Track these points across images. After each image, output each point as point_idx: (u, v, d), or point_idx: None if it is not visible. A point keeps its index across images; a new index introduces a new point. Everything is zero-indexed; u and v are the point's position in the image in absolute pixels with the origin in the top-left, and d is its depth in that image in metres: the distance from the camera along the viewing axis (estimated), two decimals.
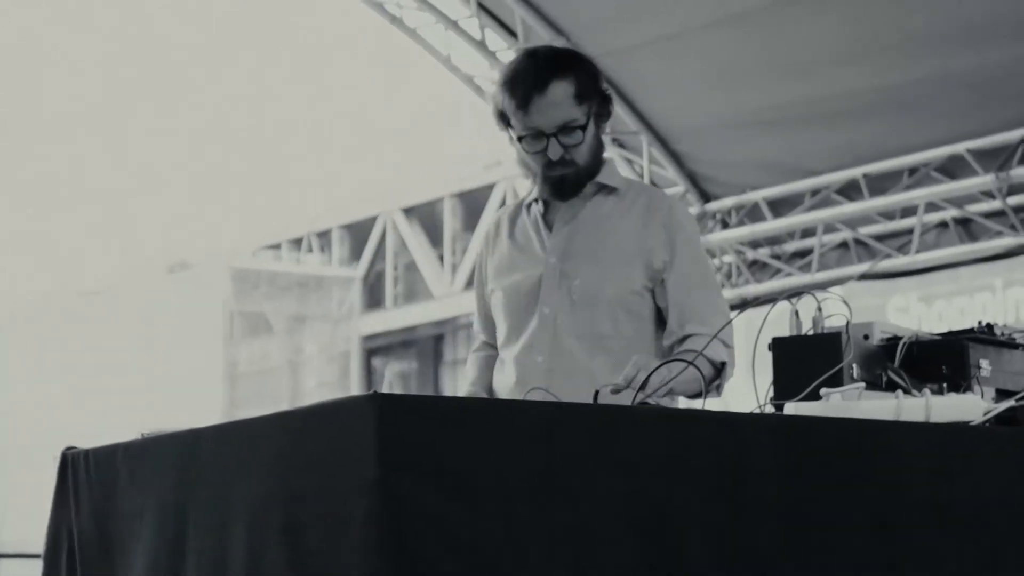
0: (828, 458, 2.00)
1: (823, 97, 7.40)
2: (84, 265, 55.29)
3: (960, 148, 7.53)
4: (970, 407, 2.22)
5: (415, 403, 1.78)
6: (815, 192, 8.24)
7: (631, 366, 2.66)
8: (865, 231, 8.28)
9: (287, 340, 32.63)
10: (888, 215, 8.12)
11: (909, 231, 8.04)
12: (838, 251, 8.50)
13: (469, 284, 25.11)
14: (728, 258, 8.85)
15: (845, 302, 2.29)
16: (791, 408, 2.15)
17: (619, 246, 3.09)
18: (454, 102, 31.71)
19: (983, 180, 7.47)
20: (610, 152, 8.36)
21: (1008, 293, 7.82)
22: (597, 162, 3.13)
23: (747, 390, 2.27)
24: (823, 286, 7.96)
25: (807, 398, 2.16)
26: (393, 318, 32.60)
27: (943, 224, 8.00)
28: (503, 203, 26.64)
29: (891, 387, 2.27)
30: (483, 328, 3.33)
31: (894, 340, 2.32)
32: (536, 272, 3.13)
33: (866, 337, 2.29)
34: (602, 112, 3.10)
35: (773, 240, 8.66)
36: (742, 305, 8.05)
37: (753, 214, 8.55)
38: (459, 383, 3.37)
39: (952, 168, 7.67)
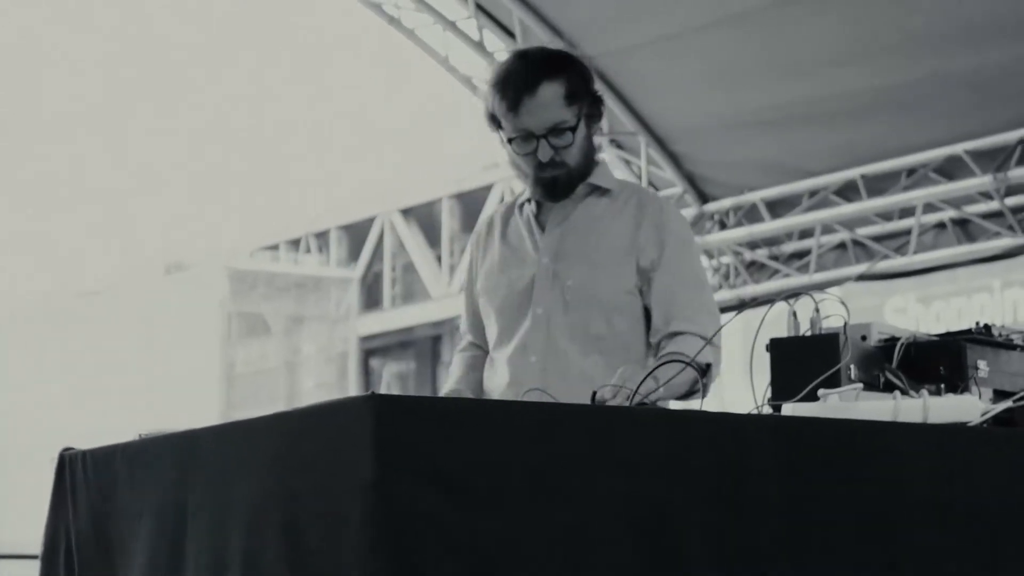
0: (827, 458, 2.01)
1: (822, 97, 7.40)
2: (84, 265, 55.34)
3: (958, 149, 7.54)
4: (968, 408, 2.23)
5: (413, 404, 1.78)
6: (813, 193, 8.24)
7: (617, 378, 2.67)
8: (863, 232, 8.28)
9: (285, 341, 32.63)
10: (886, 216, 8.13)
11: (907, 232, 8.05)
12: (836, 252, 8.51)
13: None
14: (726, 259, 8.86)
15: (843, 303, 2.29)
16: (789, 409, 2.15)
17: (612, 247, 3.08)
18: (453, 103, 31.72)
19: (981, 181, 7.48)
20: (608, 153, 8.37)
21: (1006, 294, 7.82)
22: (589, 163, 3.12)
23: (745, 391, 2.27)
24: (821, 287, 7.97)
25: (805, 399, 2.16)
26: (391, 319, 32.60)
27: (941, 225, 8.01)
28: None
29: (889, 388, 2.27)
30: (471, 328, 3.31)
31: (892, 341, 2.32)
32: (529, 273, 3.12)
33: (864, 338, 2.29)
34: (593, 113, 3.09)
35: (771, 241, 8.67)
36: (740, 306, 8.06)
37: (751, 215, 8.56)
38: (444, 382, 3.35)
39: (950, 169, 7.68)
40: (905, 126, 7.55)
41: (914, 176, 7.82)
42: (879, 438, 2.07)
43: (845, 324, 2.23)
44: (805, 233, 8.51)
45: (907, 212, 7.98)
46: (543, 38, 7.45)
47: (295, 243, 34.81)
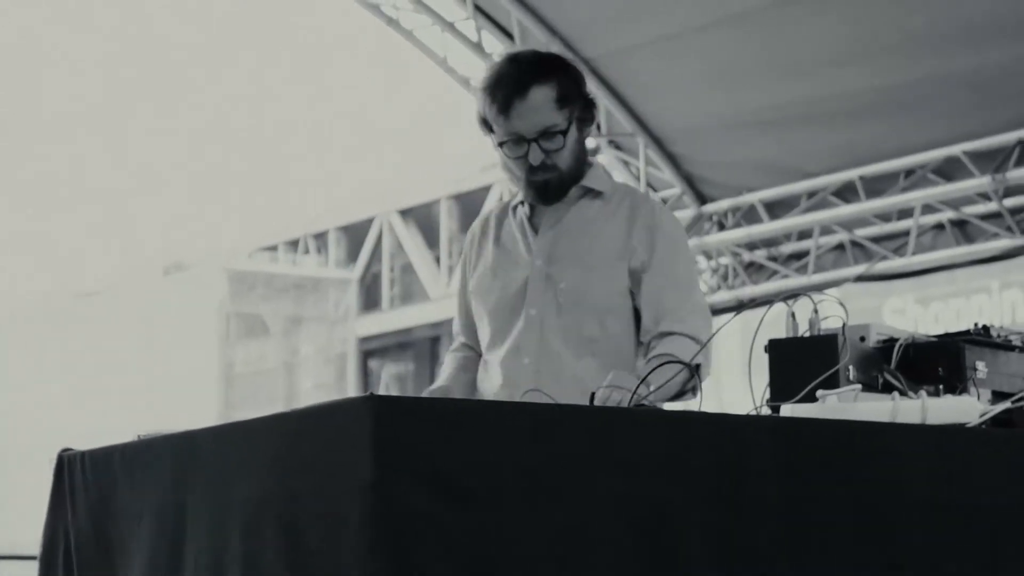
0: (826, 459, 2.01)
1: (821, 97, 7.41)
2: (83, 265, 55.34)
3: (956, 150, 7.54)
4: (966, 409, 2.23)
5: (411, 405, 1.78)
6: (811, 194, 8.25)
7: (610, 380, 2.67)
8: (861, 233, 8.28)
9: (283, 341, 32.64)
10: (884, 217, 8.13)
11: (905, 233, 8.05)
12: (834, 253, 8.51)
13: None
14: (724, 260, 8.86)
15: (841, 304, 2.29)
16: (788, 410, 2.15)
17: (605, 249, 3.08)
18: (452, 104, 31.75)
19: (979, 182, 7.48)
20: (607, 154, 8.37)
21: (1004, 295, 7.82)
22: (581, 166, 3.11)
23: (744, 392, 2.27)
24: (819, 288, 7.96)
25: (803, 400, 2.16)
26: (389, 320, 32.60)
27: (939, 226, 8.01)
28: None
29: (887, 389, 2.27)
30: (463, 329, 3.31)
31: (890, 342, 2.32)
32: (522, 275, 3.11)
33: (862, 339, 2.29)
34: (585, 117, 3.07)
35: (769, 242, 8.67)
36: (738, 307, 8.05)
37: (750, 216, 8.56)
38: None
39: (948, 170, 7.68)
40: (904, 126, 7.55)
41: (913, 177, 7.82)
42: (878, 439, 2.07)
43: (844, 325, 2.23)
44: (804, 234, 8.52)
45: (905, 213, 7.98)
46: (541, 39, 7.45)
47: (294, 244, 34.81)
